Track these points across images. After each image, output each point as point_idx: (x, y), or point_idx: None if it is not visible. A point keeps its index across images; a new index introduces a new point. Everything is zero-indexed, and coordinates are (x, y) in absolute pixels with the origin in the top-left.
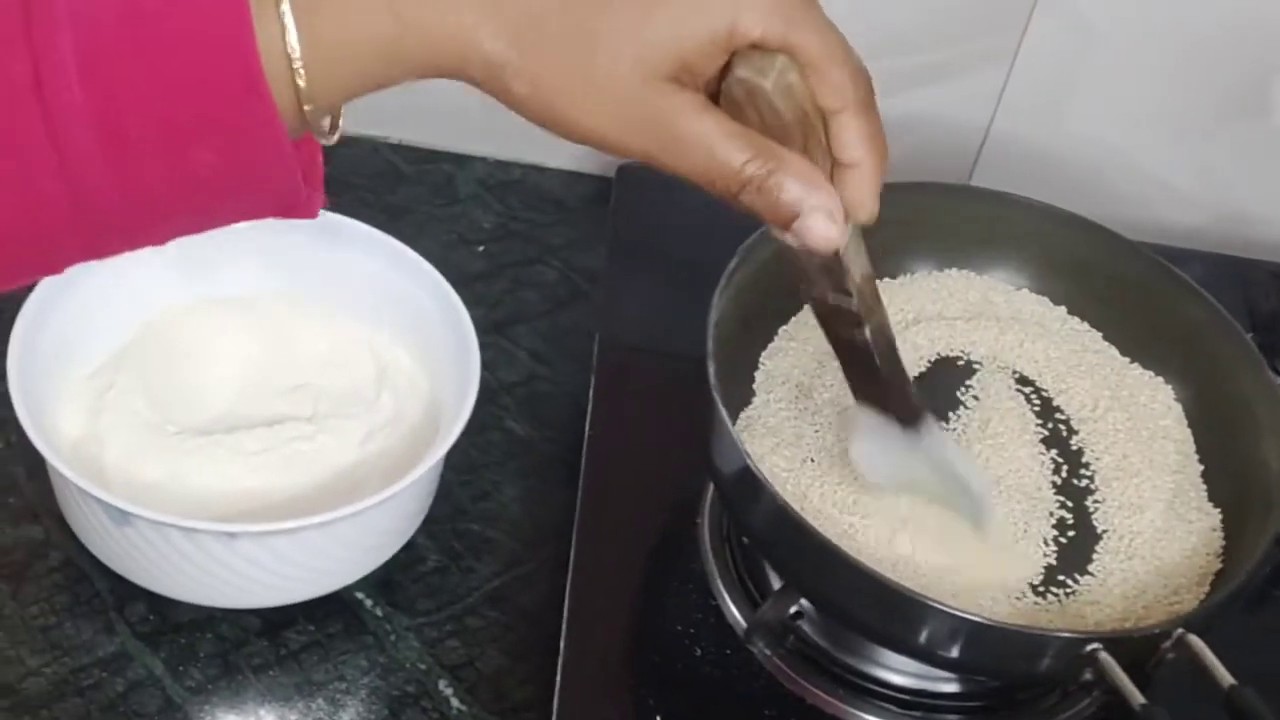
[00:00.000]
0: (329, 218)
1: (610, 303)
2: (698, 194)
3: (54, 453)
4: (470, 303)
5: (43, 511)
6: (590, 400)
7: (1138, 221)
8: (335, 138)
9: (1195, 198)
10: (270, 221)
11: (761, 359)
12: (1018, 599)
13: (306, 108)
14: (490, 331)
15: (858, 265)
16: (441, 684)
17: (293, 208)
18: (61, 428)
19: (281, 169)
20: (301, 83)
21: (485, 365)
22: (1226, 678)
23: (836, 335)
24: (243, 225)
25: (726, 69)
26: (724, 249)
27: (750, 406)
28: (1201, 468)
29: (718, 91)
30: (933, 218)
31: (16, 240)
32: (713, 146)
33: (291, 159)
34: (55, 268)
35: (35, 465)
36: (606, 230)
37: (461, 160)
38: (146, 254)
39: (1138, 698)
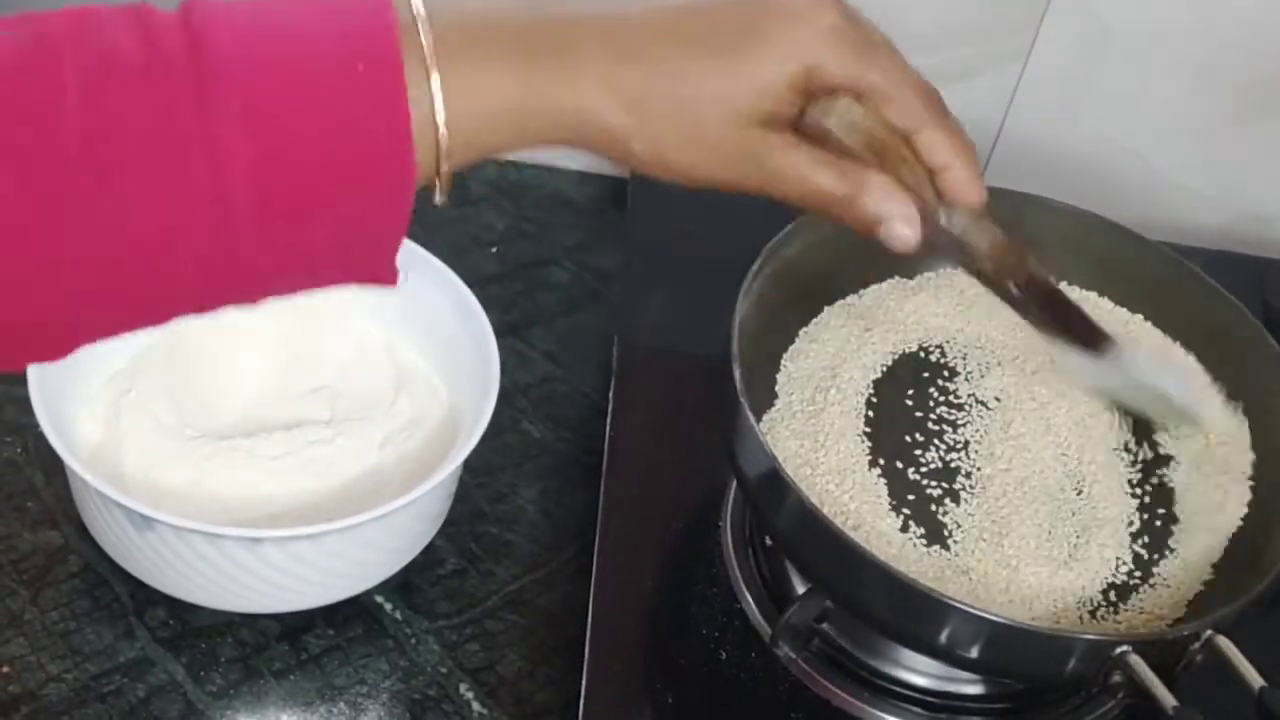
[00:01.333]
0: None
1: (629, 303)
2: (715, 194)
3: (75, 458)
4: (484, 304)
5: (61, 517)
6: (610, 402)
7: (1151, 221)
8: (444, 200)
9: (1209, 197)
10: None
11: (783, 360)
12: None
13: (444, 167)
14: (505, 333)
15: (985, 239)
16: (462, 687)
17: (383, 275)
18: (81, 432)
19: (398, 230)
20: (444, 143)
21: (501, 367)
22: (1257, 679)
23: (998, 292)
24: None
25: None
26: (741, 249)
27: (773, 408)
28: None
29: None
30: None
31: (144, 289)
32: (804, 176)
33: (406, 222)
34: (164, 317)
35: (54, 470)
36: (625, 230)
37: None
38: None
39: (1170, 700)
